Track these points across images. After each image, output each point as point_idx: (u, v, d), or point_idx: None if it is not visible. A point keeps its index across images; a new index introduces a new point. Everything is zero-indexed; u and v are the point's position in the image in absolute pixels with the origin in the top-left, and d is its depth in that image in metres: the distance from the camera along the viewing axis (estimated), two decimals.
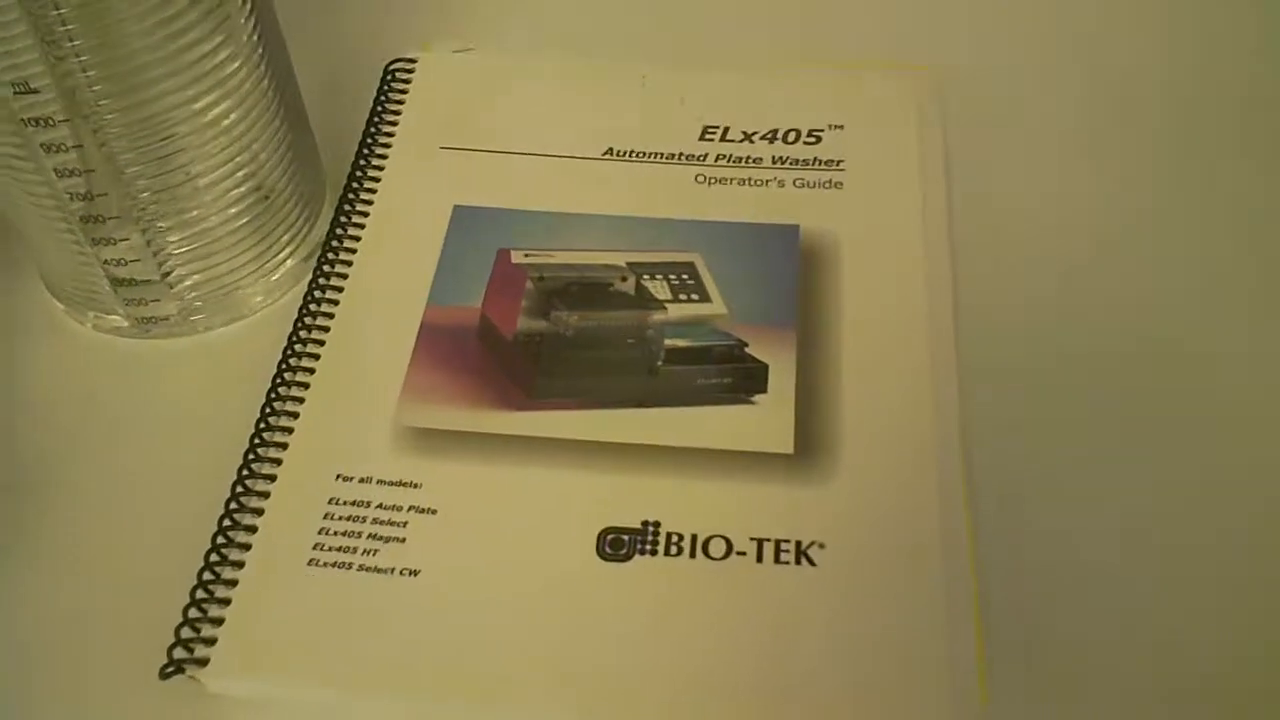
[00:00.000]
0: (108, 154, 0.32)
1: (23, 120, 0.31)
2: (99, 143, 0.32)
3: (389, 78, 0.43)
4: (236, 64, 0.33)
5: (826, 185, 0.40)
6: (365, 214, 0.39)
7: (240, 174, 0.35)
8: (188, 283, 0.36)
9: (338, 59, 0.45)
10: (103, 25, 0.30)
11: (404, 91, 0.43)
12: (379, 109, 0.42)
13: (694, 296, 0.37)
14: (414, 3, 0.47)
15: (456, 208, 0.39)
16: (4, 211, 0.36)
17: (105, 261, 0.35)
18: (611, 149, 0.41)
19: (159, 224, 0.34)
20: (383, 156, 0.41)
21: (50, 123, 0.31)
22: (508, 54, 0.45)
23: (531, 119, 0.42)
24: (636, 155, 0.41)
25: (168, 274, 0.36)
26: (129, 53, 0.31)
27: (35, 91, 0.31)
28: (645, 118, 0.42)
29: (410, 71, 0.43)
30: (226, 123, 0.34)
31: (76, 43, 0.30)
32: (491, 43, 0.45)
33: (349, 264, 0.38)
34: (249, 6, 0.33)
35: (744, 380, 0.35)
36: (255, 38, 0.34)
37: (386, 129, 0.42)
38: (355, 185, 0.40)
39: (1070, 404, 0.35)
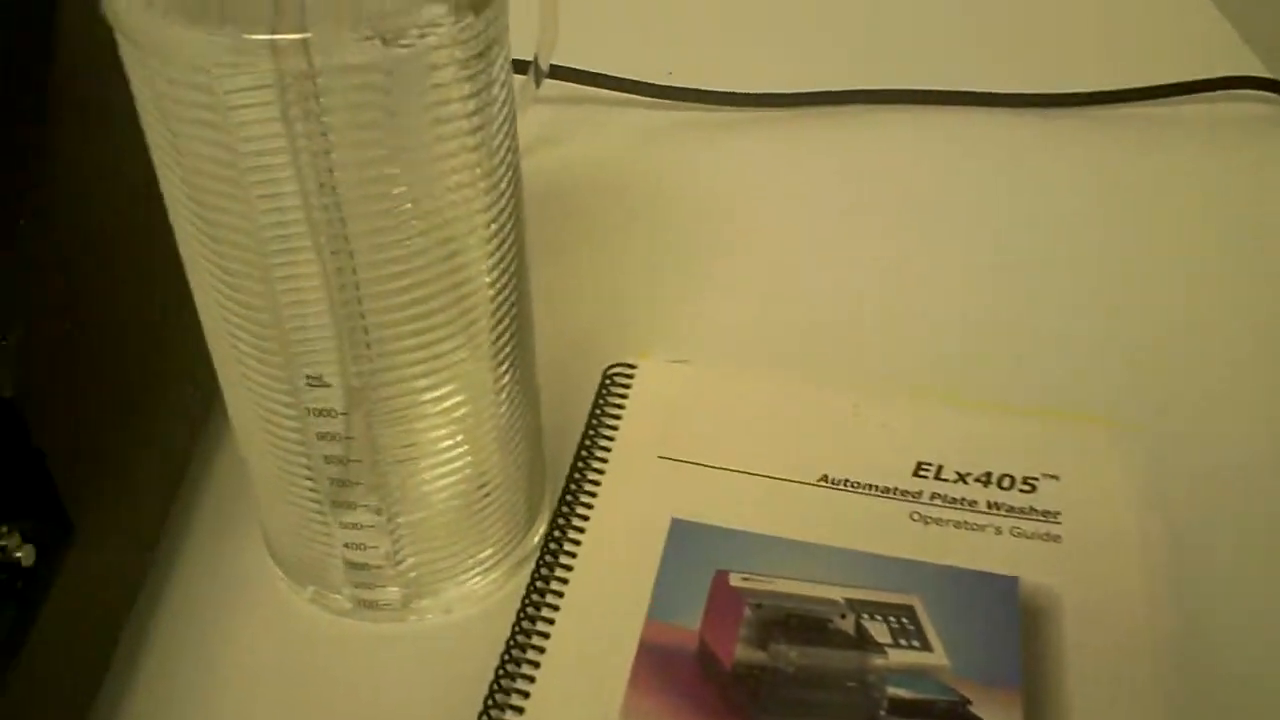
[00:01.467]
0: (370, 437, 0.34)
1: (308, 409, 0.33)
2: (366, 425, 0.33)
3: (608, 382, 0.45)
4: (480, 364, 0.35)
5: (1044, 538, 0.40)
6: (585, 517, 0.40)
7: (471, 468, 0.36)
8: (413, 570, 0.37)
9: (558, 359, 0.46)
10: (386, 327, 0.32)
11: (623, 397, 0.44)
12: (598, 412, 0.44)
13: (915, 643, 0.36)
14: (634, 310, 0.49)
15: (674, 521, 0.40)
16: (252, 474, 0.37)
17: (345, 544, 0.36)
18: (826, 476, 0.42)
19: (396, 510, 0.35)
20: (602, 460, 0.42)
21: (332, 414, 0.33)
22: (723, 367, 0.46)
23: (746, 436, 0.43)
24: (850, 485, 0.41)
25: (398, 557, 0.36)
26: (396, 349, 0.33)
27: (327, 385, 0.32)
28: (857, 447, 0.43)
29: (629, 377, 0.45)
30: (463, 413, 0.35)
31: (371, 347, 0.32)
32: (708, 354, 0.47)
33: (569, 567, 0.38)
34: (501, 319, 0.35)
35: None
36: (503, 344, 0.35)
37: (606, 434, 0.43)
38: (575, 487, 0.41)
39: None
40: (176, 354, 0.40)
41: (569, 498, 0.41)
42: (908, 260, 0.53)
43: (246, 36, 0.27)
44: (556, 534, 0.39)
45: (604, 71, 0.62)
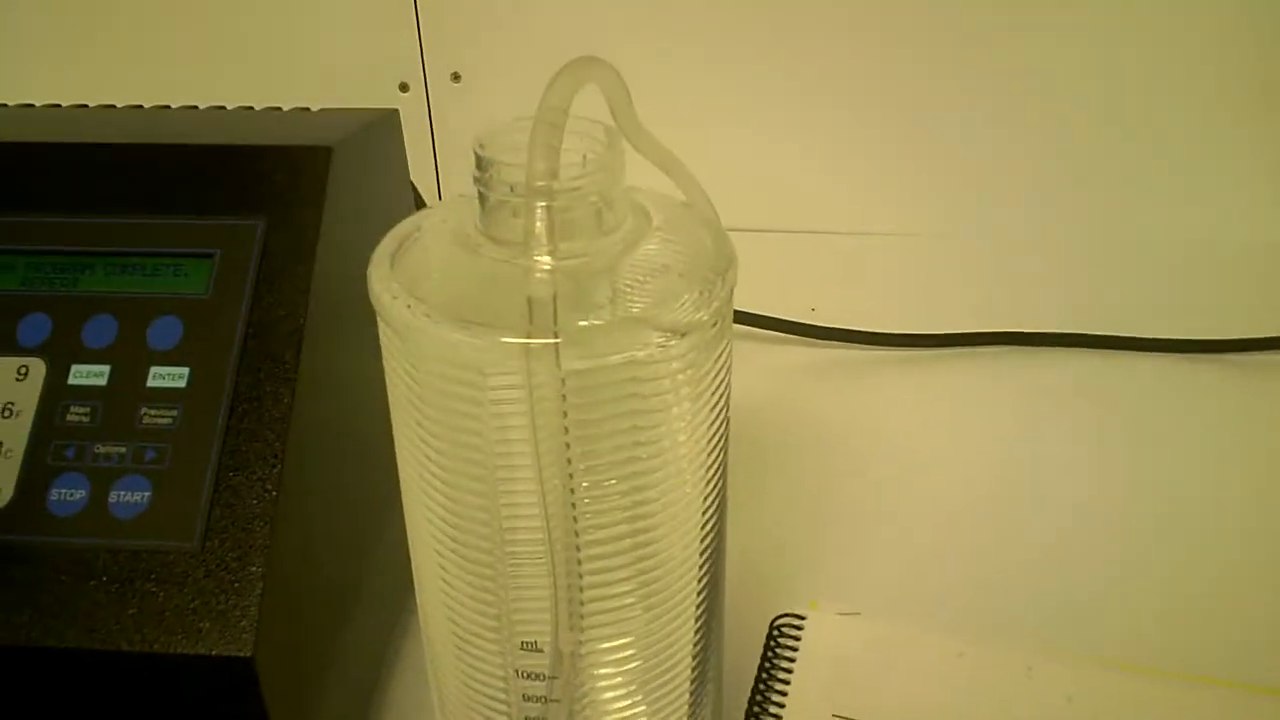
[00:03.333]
0: (572, 695, 0.35)
1: (516, 670, 0.34)
2: (569, 685, 0.34)
3: (776, 633, 0.45)
4: (683, 626, 0.36)
5: None
6: None
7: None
8: None
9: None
10: (601, 600, 0.33)
11: (793, 650, 0.45)
12: (768, 666, 0.44)
13: None
14: (800, 563, 0.50)
15: None
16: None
17: None
18: None
19: None
20: (777, 716, 0.42)
21: (539, 676, 0.34)
22: (893, 623, 0.46)
23: (920, 697, 0.43)
24: None
25: None
26: (608, 620, 0.34)
27: (539, 651, 0.34)
28: (1034, 715, 0.42)
29: (798, 629, 0.46)
30: (660, 671, 0.36)
31: (585, 619, 0.33)
32: (876, 604, 0.47)
33: None
34: (705, 586, 0.36)
35: None
36: (703, 609, 0.37)
37: (779, 689, 0.43)
38: None
39: None
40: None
41: None
42: (1074, 511, 0.53)
43: (504, 340, 0.30)
44: None
45: (746, 309, 0.65)
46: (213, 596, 0.32)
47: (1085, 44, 0.70)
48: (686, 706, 0.37)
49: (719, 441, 0.34)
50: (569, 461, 0.30)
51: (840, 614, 0.47)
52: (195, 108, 0.46)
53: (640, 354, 0.30)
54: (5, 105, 0.45)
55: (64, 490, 0.34)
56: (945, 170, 0.74)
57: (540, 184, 0.31)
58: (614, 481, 0.32)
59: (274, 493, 0.33)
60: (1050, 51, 0.71)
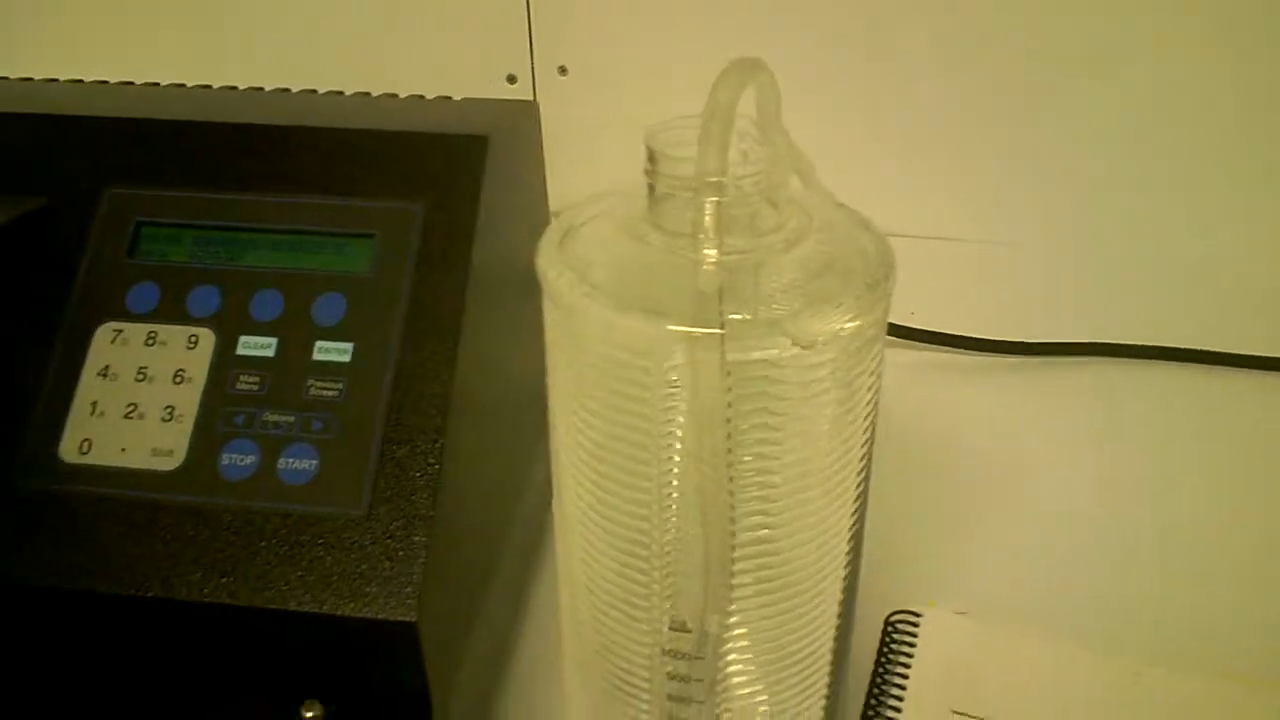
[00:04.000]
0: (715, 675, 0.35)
1: (662, 649, 0.35)
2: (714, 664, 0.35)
3: (891, 629, 0.46)
4: (827, 608, 0.36)
5: None
6: None
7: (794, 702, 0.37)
8: None
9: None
10: (752, 584, 0.34)
11: (910, 646, 0.45)
12: (885, 661, 0.45)
13: None
14: (915, 556, 0.51)
15: None
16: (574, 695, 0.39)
17: None
18: None
19: None
20: (895, 710, 0.43)
21: (685, 656, 0.35)
22: (1006, 625, 0.47)
23: (1034, 698, 0.43)
24: None
25: None
26: (758, 603, 0.35)
27: (688, 631, 0.35)
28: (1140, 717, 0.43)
29: (914, 626, 0.46)
30: (799, 650, 0.36)
31: (735, 604, 0.34)
32: (987, 605, 0.47)
33: None
34: (850, 565, 0.37)
35: None
36: (847, 588, 0.37)
37: (897, 683, 0.44)
38: None
39: None
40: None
41: None
42: (1181, 522, 0.53)
43: (671, 328, 0.30)
44: None
45: None
46: (378, 562, 0.33)
47: (1186, 54, 0.70)
48: (821, 698, 0.37)
49: (867, 443, 0.35)
50: (729, 451, 0.31)
51: (955, 613, 0.47)
52: (341, 93, 0.47)
53: (789, 353, 0.31)
54: (181, 85, 0.47)
55: (234, 455, 0.35)
56: (1047, 178, 0.74)
57: (711, 179, 0.31)
58: (759, 474, 0.33)
59: (436, 465, 0.34)
60: (1156, 59, 0.71)
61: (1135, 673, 0.45)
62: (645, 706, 0.36)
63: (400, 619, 0.33)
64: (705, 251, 0.32)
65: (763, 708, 0.36)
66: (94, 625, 0.34)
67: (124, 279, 0.38)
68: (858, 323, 0.32)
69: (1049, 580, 0.50)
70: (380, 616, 0.33)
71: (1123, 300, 0.70)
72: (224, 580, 0.33)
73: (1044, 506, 0.54)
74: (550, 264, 0.33)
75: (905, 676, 0.44)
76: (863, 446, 0.35)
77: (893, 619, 0.46)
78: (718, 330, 0.31)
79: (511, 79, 0.75)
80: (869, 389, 0.34)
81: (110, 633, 0.35)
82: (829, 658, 0.37)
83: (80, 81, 0.48)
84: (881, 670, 0.44)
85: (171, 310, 0.37)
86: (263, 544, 0.34)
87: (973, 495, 0.55)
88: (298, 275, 0.37)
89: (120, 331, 0.37)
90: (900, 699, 0.43)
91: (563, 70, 0.75)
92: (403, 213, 0.38)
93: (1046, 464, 0.57)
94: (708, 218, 0.32)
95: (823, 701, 0.38)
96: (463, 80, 0.69)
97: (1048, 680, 0.44)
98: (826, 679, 0.38)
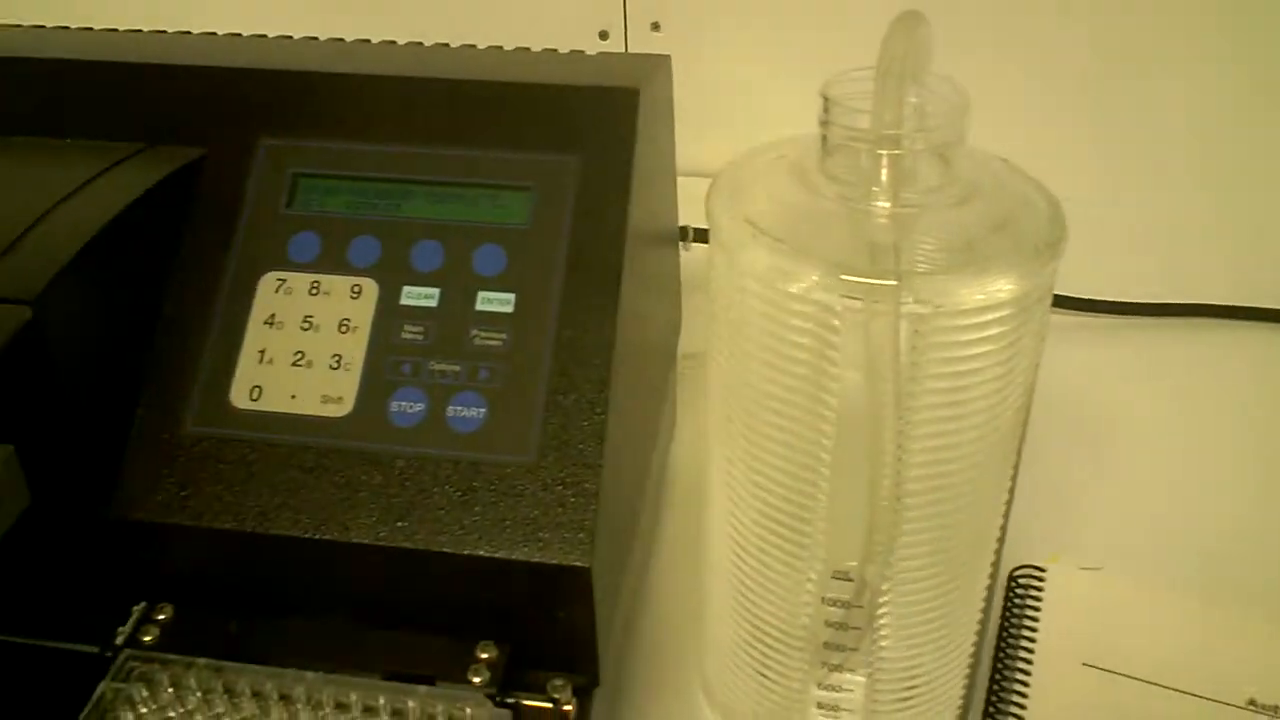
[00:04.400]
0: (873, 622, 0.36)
1: (823, 599, 0.35)
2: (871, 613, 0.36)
3: (1015, 584, 0.46)
4: (982, 558, 0.37)
5: None
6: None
7: (941, 650, 0.38)
8: None
9: None
10: (916, 532, 0.35)
11: (1037, 601, 0.46)
12: (1013, 615, 0.45)
13: None
14: (1036, 511, 0.51)
15: None
16: (717, 635, 0.39)
17: (819, 705, 0.38)
18: (1253, 700, 0.42)
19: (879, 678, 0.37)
20: (1026, 663, 0.43)
21: (846, 605, 0.35)
22: (1136, 579, 0.47)
23: (1168, 651, 0.44)
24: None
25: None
26: (918, 553, 0.35)
27: (850, 580, 0.35)
28: (1268, 675, 0.43)
29: (1040, 580, 0.46)
30: (952, 598, 0.37)
31: (897, 552, 0.34)
32: (1113, 560, 0.48)
33: None
34: (1005, 514, 0.37)
35: None
36: (997, 538, 0.38)
37: (1027, 636, 0.44)
38: (1001, 690, 0.42)
39: None
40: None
41: (996, 700, 0.42)
42: None
43: (845, 277, 0.31)
44: None
45: None
46: (550, 509, 0.34)
47: None
48: (967, 654, 0.38)
49: (1027, 398, 0.35)
50: (899, 401, 0.32)
51: (1082, 568, 0.47)
52: (474, 46, 0.47)
53: (961, 308, 0.31)
54: (314, 38, 0.47)
55: (403, 403, 0.36)
56: (1192, 141, 0.73)
57: (889, 132, 0.32)
58: (928, 425, 0.33)
59: (602, 415, 0.35)
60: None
61: (1268, 634, 0.45)
62: (797, 653, 0.37)
63: (575, 564, 0.33)
64: (880, 204, 0.32)
65: (915, 660, 0.37)
66: (269, 568, 0.35)
67: (284, 229, 0.38)
68: (1030, 280, 0.32)
69: (1175, 540, 0.50)
70: (556, 561, 0.33)
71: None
72: (400, 524, 0.34)
73: (1174, 469, 0.54)
74: (723, 209, 0.33)
75: (1034, 630, 0.44)
76: (1023, 399, 0.35)
77: (1017, 574, 0.47)
78: (893, 282, 0.31)
79: (603, 35, 0.75)
80: (1035, 344, 0.34)
81: (283, 576, 0.35)
82: (979, 610, 0.38)
83: (213, 34, 0.48)
84: (1009, 625, 0.45)
85: (333, 260, 0.38)
86: (435, 489, 0.34)
87: (1090, 452, 0.55)
88: (456, 226, 0.38)
89: (284, 281, 0.37)
90: (1030, 652, 0.44)
91: (655, 26, 0.74)
92: (559, 165, 0.38)
93: (1179, 427, 0.57)
94: (884, 170, 0.32)
95: (968, 657, 0.39)
96: (554, 35, 0.69)
97: (1175, 634, 0.45)
98: (975, 632, 0.38)
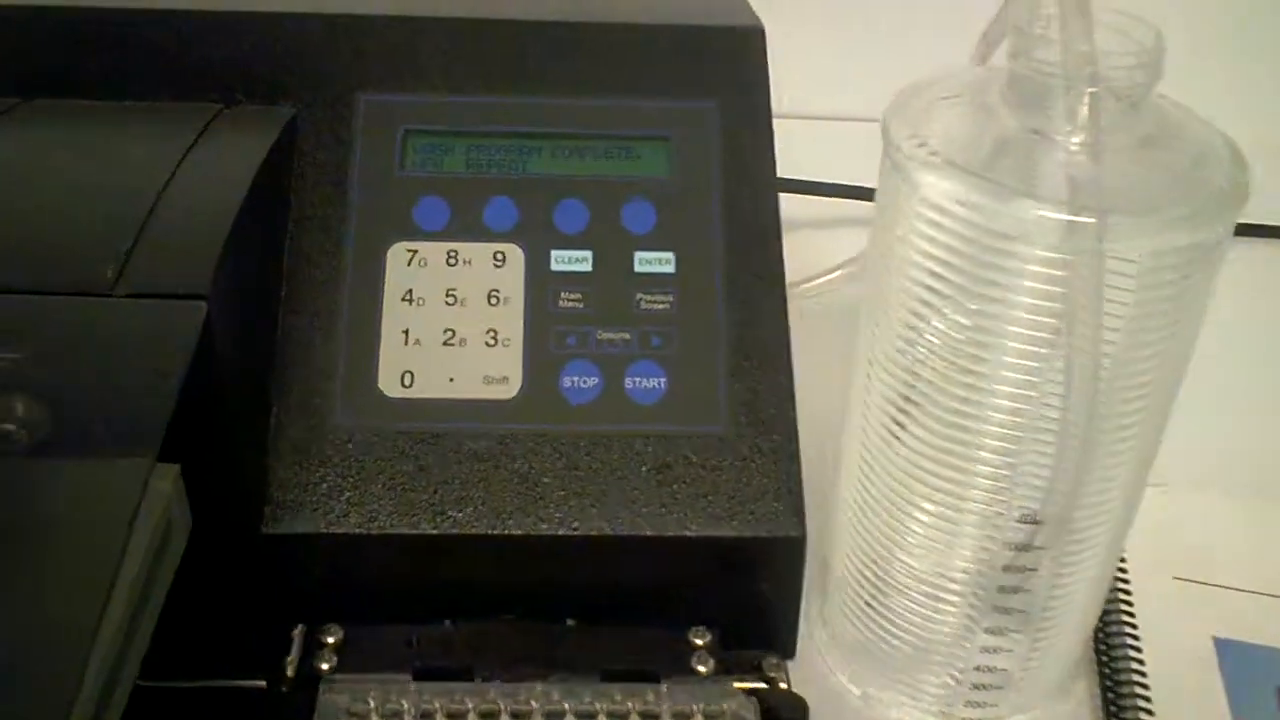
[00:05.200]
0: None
1: (1004, 543, 0.35)
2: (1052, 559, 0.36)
3: None
4: (1134, 496, 0.38)
5: None
6: (1136, 646, 0.42)
7: (1094, 594, 0.39)
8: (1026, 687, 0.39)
9: None
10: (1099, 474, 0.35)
11: None
12: None
13: None
14: None
15: (1218, 642, 0.43)
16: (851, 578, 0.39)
17: (983, 649, 0.38)
18: None
19: (1041, 628, 0.37)
20: (1125, 582, 0.44)
21: (1026, 548, 0.35)
22: (1203, 494, 0.49)
23: (1258, 559, 0.46)
24: None
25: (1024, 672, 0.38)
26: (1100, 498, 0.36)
27: (1036, 523, 0.35)
28: None
29: None
30: (1108, 540, 0.38)
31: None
32: (1176, 478, 0.49)
33: (1141, 684, 0.41)
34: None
35: None
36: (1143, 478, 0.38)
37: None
38: (1105, 610, 0.43)
39: None
40: None
41: (1103, 622, 0.43)
42: None
43: (1040, 213, 0.30)
44: (1111, 660, 0.42)
45: None
46: (753, 479, 0.32)
47: None
48: (1111, 573, 0.39)
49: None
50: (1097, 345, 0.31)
51: (1153, 485, 0.49)
52: None
53: (1157, 249, 0.31)
54: None
55: (576, 378, 0.33)
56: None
57: (1087, 69, 0.31)
58: (1123, 365, 0.33)
59: (789, 376, 0.33)
60: None
61: None
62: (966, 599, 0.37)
63: (790, 535, 0.32)
64: (1075, 140, 0.32)
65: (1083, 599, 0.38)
66: (450, 571, 0.32)
67: (404, 195, 0.34)
68: (1216, 224, 0.32)
69: (1249, 458, 0.52)
70: (770, 534, 0.32)
71: None
72: (594, 510, 0.32)
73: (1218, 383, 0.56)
74: (902, 135, 0.32)
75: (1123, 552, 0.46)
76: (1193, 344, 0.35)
77: None
78: (1092, 220, 0.30)
79: None
80: (1211, 285, 0.34)
81: (465, 579, 0.32)
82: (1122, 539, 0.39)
83: None
84: None
85: (467, 226, 0.34)
86: (626, 469, 0.32)
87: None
88: (594, 182, 0.35)
89: (415, 252, 0.34)
90: (1125, 573, 0.45)
91: None
92: (696, 111, 0.36)
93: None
94: (1084, 107, 0.32)
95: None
96: None
97: (1260, 542, 0.47)
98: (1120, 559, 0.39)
